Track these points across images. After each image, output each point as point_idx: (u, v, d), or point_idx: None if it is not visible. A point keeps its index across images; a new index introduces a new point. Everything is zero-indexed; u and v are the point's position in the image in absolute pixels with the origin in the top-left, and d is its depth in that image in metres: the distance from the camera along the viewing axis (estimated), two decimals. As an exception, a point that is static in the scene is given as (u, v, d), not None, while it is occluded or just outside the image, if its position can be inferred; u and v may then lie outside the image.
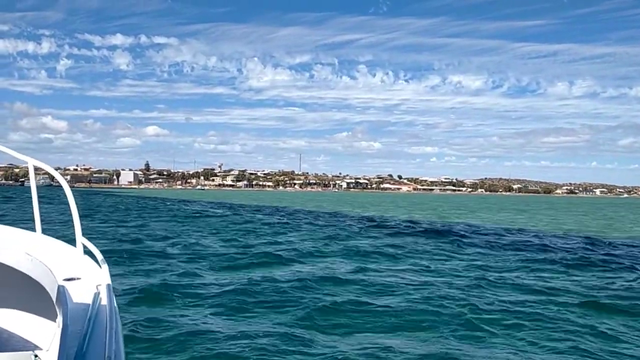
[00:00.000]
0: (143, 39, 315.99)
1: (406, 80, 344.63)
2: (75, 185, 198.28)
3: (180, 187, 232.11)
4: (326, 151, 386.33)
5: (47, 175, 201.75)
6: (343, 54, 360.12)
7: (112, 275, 2.66)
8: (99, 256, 2.98)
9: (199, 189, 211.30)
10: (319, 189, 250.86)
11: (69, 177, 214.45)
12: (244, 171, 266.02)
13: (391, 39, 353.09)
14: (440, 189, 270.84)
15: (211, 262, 13.58)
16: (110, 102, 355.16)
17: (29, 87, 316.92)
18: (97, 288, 2.48)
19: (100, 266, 2.87)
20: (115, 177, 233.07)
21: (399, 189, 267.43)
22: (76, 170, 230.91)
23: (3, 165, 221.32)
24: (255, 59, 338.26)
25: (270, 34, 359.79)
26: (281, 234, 22.44)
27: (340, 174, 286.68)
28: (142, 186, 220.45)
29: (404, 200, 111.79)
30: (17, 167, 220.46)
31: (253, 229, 24.42)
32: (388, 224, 30.98)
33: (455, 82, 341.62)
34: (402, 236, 22.47)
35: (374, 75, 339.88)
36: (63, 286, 2.33)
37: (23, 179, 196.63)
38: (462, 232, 25.27)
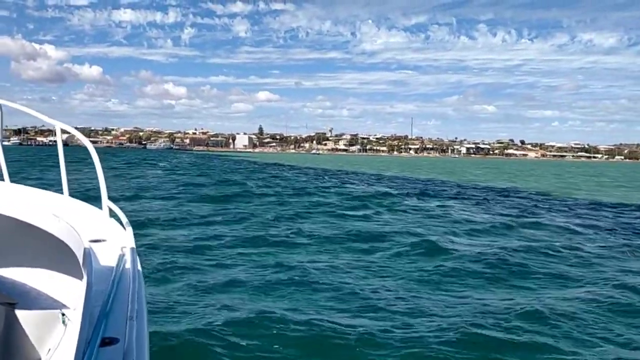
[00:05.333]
0: (261, 5, 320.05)
1: (530, 40, 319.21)
2: (194, 148, 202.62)
3: (293, 150, 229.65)
4: (436, 115, 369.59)
5: (168, 139, 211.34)
6: (462, 13, 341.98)
7: None
8: (124, 219, 3.06)
9: (313, 153, 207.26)
10: (437, 155, 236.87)
11: (188, 141, 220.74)
12: (355, 135, 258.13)
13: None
14: (573, 156, 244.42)
15: None
16: (228, 69, 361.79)
17: (156, 55, 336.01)
18: (121, 250, 2.56)
19: (125, 229, 2.94)
20: (231, 140, 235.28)
21: (524, 155, 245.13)
22: (195, 134, 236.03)
23: (129, 129, 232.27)
24: (370, 21, 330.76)
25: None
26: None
27: (456, 138, 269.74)
28: (256, 150, 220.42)
29: (558, 169, 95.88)
30: (142, 131, 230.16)
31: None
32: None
33: (586, 40, 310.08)
34: None
35: (495, 35, 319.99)
36: (89, 247, 2.37)
37: (145, 142, 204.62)
38: None
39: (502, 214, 18.75)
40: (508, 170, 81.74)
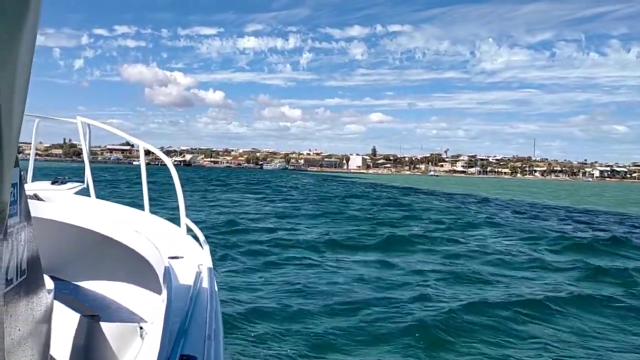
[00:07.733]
0: (379, 28, 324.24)
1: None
2: (309, 168, 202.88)
3: (408, 172, 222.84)
4: (561, 136, 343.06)
5: (283, 160, 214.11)
6: (592, 28, 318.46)
7: None
8: (201, 237, 3.11)
9: (431, 175, 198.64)
10: (566, 177, 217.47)
11: (302, 161, 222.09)
12: (473, 156, 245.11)
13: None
14: None
15: None
16: (343, 91, 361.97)
17: (275, 80, 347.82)
18: (199, 268, 2.60)
19: (202, 247, 3.00)
20: (344, 161, 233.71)
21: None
22: (309, 154, 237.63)
23: (247, 150, 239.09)
24: (490, 39, 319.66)
25: (509, 12, 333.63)
26: None
27: (586, 160, 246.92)
28: (370, 171, 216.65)
29: None
30: (259, 152, 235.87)
31: None
32: None
33: None
34: None
35: (629, 51, 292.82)
36: (169, 264, 2.39)
37: (262, 162, 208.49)
38: None
39: None
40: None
